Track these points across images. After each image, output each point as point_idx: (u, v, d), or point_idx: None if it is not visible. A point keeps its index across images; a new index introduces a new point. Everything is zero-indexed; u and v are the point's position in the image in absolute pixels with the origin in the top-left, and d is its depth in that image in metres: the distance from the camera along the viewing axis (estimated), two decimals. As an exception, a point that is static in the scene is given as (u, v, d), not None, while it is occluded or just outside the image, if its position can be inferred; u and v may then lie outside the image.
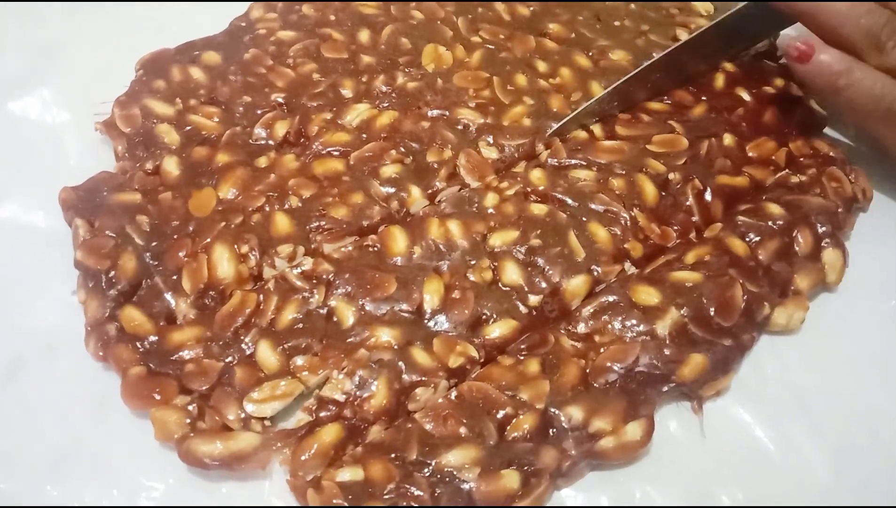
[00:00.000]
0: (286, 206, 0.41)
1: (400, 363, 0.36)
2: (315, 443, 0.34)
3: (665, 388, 0.37)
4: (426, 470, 0.33)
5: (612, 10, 0.56)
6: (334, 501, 0.32)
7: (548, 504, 0.34)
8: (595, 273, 0.40)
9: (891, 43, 0.43)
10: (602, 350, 0.37)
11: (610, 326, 0.38)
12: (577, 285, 0.39)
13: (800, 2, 0.44)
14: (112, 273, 0.39)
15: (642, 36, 0.54)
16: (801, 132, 0.49)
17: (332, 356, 0.36)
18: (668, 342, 0.37)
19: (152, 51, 0.50)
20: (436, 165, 0.44)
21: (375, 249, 0.40)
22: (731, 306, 0.39)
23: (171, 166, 0.43)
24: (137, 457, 0.35)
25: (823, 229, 0.43)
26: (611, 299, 0.39)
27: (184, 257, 0.39)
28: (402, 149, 0.45)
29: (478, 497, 0.32)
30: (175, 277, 0.39)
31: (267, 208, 0.41)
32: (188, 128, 0.46)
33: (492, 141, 0.46)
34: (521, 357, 0.37)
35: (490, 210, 0.42)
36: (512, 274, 0.39)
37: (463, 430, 0.34)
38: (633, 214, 0.42)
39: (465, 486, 0.33)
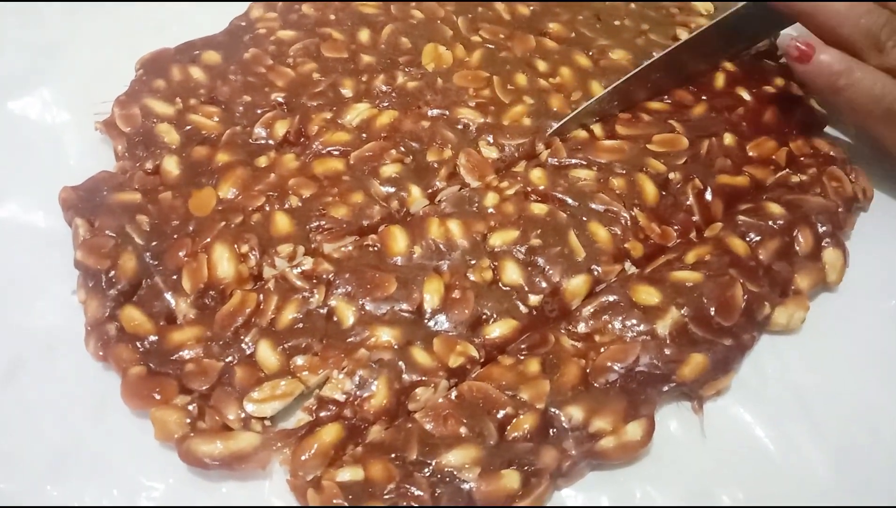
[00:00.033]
0: (286, 205, 0.41)
1: (400, 363, 0.36)
2: (315, 443, 0.34)
3: (665, 388, 0.37)
4: (426, 470, 0.33)
5: (612, 9, 0.56)
6: (334, 501, 0.32)
7: (548, 504, 0.34)
8: (595, 273, 0.40)
9: (890, 43, 0.43)
10: (602, 350, 0.37)
11: (610, 326, 0.38)
12: (577, 284, 0.39)
13: (799, 2, 0.44)
14: (112, 273, 0.39)
15: (642, 35, 0.54)
16: (802, 132, 0.49)
17: (333, 356, 0.36)
18: (668, 341, 0.37)
19: (152, 50, 0.50)
20: (436, 165, 0.44)
21: (375, 248, 0.40)
22: (731, 305, 0.39)
23: (171, 166, 0.43)
24: (137, 457, 0.35)
25: (824, 228, 0.43)
26: (611, 298, 0.39)
27: (184, 256, 0.39)
28: (402, 148, 0.45)
29: (478, 497, 0.32)
30: (175, 276, 0.39)
31: (267, 208, 0.41)
32: (188, 127, 0.45)
33: (492, 140, 0.46)
34: (522, 357, 0.37)
35: (490, 210, 0.42)
36: (512, 274, 0.39)
37: (463, 430, 0.34)
38: (633, 213, 0.42)
39: (466, 486, 0.33)
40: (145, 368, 0.36)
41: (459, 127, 0.46)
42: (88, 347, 0.37)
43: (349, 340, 0.37)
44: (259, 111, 0.46)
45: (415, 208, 0.42)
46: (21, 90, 0.50)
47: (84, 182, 0.43)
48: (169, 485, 0.34)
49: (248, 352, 0.36)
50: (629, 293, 0.39)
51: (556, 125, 0.46)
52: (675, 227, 0.43)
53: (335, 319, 0.37)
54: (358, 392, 0.35)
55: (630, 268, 0.41)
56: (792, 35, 0.45)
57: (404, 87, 0.48)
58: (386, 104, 0.47)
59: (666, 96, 0.49)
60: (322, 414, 0.35)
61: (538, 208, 0.42)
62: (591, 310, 0.39)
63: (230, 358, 0.36)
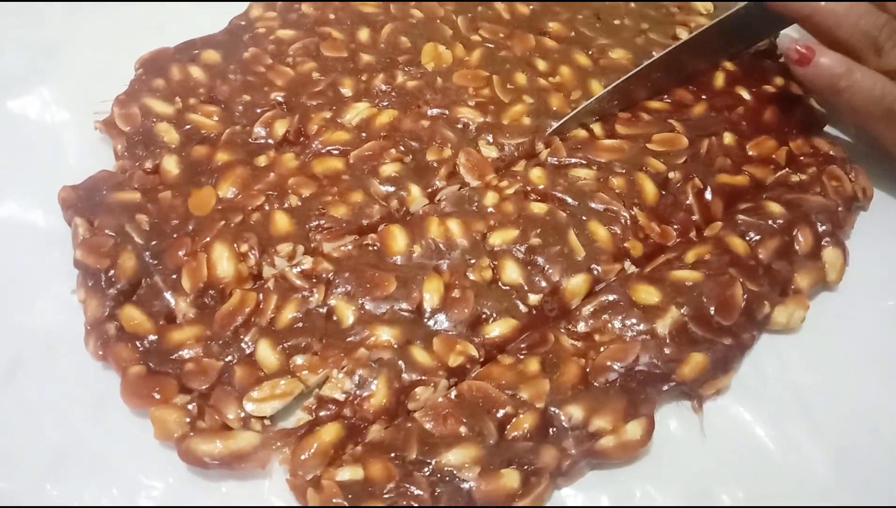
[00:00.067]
0: (286, 205, 0.41)
1: (400, 363, 0.36)
2: (315, 442, 0.34)
3: (665, 387, 0.37)
4: (426, 470, 0.33)
5: (611, 8, 0.56)
6: (334, 500, 0.32)
7: (548, 504, 0.34)
8: (595, 272, 0.40)
9: (889, 44, 0.43)
10: (602, 349, 0.37)
11: (610, 325, 0.38)
12: (576, 284, 0.39)
13: (797, 3, 0.44)
14: (111, 272, 0.38)
15: (642, 34, 0.54)
16: (802, 131, 0.49)
17: (332, 355, 0.36)
18: (668, 340, 0.37)
19: (152, 50, 0.50)
20: (435, 164, 0.44)
21: (375, 248, 0.40)
22: (731, 304, 0.39)
23: (171, 165, 0.43)
24: (137, 456, 0.35)
25: (824, 227, 0.43)
26: (611, 298, 0.39)
27: (183, 256, 0.39)
28: (402, 148, 0.44)
29: (478, 497, 0.32)
30: (175, 276, 0.39)
31: (266, 207, 0.41)
32: (188, 127, 0.45)
33: (491, 140, 0.46)
34: (521, 356, 0.37)
35: (490, 209, 0.42)
36: (512, 273, 0.39)
37: (463, 429, 0.34)
38: (633, 212, 0.42)
39: (465, 485, 0.33)
40: (145, 367, 0.36)
41: (459, 126, 0.46)
42: (88, 346, 0.37)
43: (349, 339, 0.37)
44: (259, 110, 0.46)
45: (414, 207, 0.42)
46: (21, 89, 0.50)
47: (84, 181, 0.43)
48: (168, 484, 0.34)
49: (247, 351, 0.36)
50: (629, 293, 0.39)
51: (555, 124, 0.46)
52: (675, 226, 0.43)
53: (335, 318, 0.37)
54: (357, 392, 0.35)
55: (630, 267, 0.41)
56: (792, 36, 0.46)
57: (404, 86, 0.48)
58: (385, 103, 0.47)
59: (666, 96, 0.49)
60: (322, 414, 0.35)
61: (538, 208, 0.42)
62: (591, 309, 0.39)
63: (230, 357, 0.36)
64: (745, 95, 0.50)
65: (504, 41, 0.52)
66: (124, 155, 0.45)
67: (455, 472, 0.33)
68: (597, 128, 0.47)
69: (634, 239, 0.41)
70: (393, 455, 0.33)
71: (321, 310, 0.38)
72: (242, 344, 0.37)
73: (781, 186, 0.45)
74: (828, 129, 0.51)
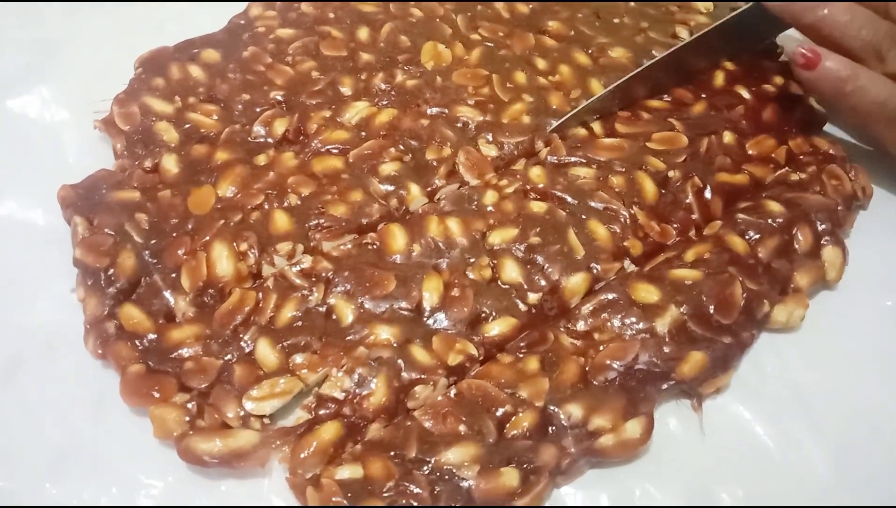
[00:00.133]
0: (285, 204, 0.41)
1: (399, 361, 0.36)
2: (314, 441, 0.34)
3: (665, 386, 0.37)
4: (425, 468, 0.33)
5: (611, 7, 0.56)
6: (333, 499, 0.32)
7: (547, 503, 0.34)
8: (594, 271, 0.40)
9: (892, 53, 0.44)
10: (601, 348, 0.37)
11: (609, 324, 0.38)
12: (576, 282, 0.39)
13: (799, 9, 0.45)
14: (111, 271, 0.38)
15: (642, 33, 0.54)
16: (801, 130, 0.49)
17: (332, 354, 0.36)
18: (667, 339, 0.37)
19: (151, 49, 0.50)
20: (435, 163, 0.44)
21: (374, 247, 0.40)
22: (730, 303, 0.39)
23: (170, 164, 0.43)
24: (136, 455, 0.35)
25: (823, 226, 0.43)
26: (610, 296, 0.39)
27: (183, 254, 0.39)
28: (402, 147, 0.44)
29: (477, 495, 0.32)
30: (174, 275, 0.39)
31: (266, 206, 0.41)
32: (187, 126, 0.45)
33: (491, 139, 0.46)
34: (521, 355, 0.37)
35: (489, 208, 0.42)
36: (511, 272, 0.39)
37: (462, 428, 0.34)
38: (632, 211, 0.42)
39: (465, 484, 0.33)
40: (144, 366, 0.36)
41: (458, 125, 0.46)
42: (87, 345, 0.37)
43: (348, 338, 0.37)
44: (258, 109, 0.46)
45: (414, 206, 0.42)
46: (20, 88, 0.50)
47: (83, 180, 0.43)
48: (168, 483, 0.34)
49: (247, 350, 0.36)
50: (628, 291, 0.39)
51: (555, 123, 0.46)
52: (675, 225, 0.43)
53: (334, 317, 0.37)
54: (357, 390, 0.35)
55: (629, 266, 0.41)
56: (796, 38, 0.46)
57: (403, 85, 0.48)
58: (385, 102, 0.47)
59: (666, 94, 0.49)
60: (321, 412, 0.35)
61: (537, 207, 0.42)
62: (591, 308, 0.39)
63: (229, 356, 0.36)
64: (745, 94, 0.50)
65: (503, 40, 0.52)
66: (124, 154, 0.45)
67: (454, 471, 0.33)
68: (596, 127, 0.47)
69: (634, 238, 0.41)
70: (392, 453, 0.33)
71: (321, 309, 0.38)
72: (242, 343, 0.37)
73: (781, 184, 0.45)
74: (827, 128, 0.51)
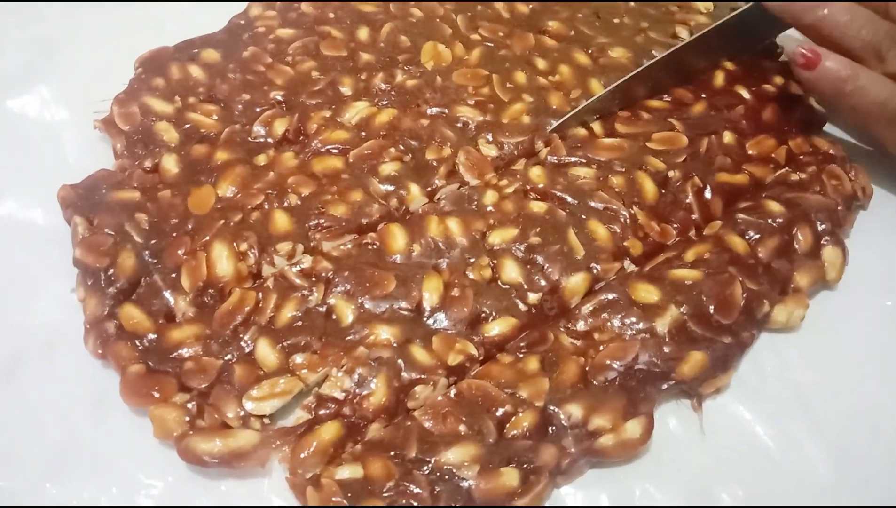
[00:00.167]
0: (285, 204, 0.41)
1: (399, 361, 0.36)
2: (314, 441, 0.33)
3: (665, 386, 0.37)
4: (425, 468, 0.33)
5: (611, 7, 0.56)
6: (333, 499, 0.32)
7: (547, 503, 0.34)
8: (594, 271, 0.40)
9: (892, 53, 0.44)
10: (601, 348, 0.37)
11: (609, 324, 0.38)
12: (576, 282, 0.39)
13: (799, 9, 0.45)
14: (111, 271, 0.38)
15: (642, 33, 0.54)
16: (801, 130, 0.49)
17: (332, 354, 0.36)
18: (667, 339, 0.37)
19: (151, 49, 0.50)
20: (435, 163, 0.44)
21: (374, 247, 0.40)
22: (730, 303, 0.39)
23: (170, 164, 0.43)
24: (136, 455, 0.35)
25: (823, 226, 0.43)
26: (610, 296, 0.39)
27: (183, 254, 0.39)
28: (402, 147, 0.44)
29: (477, 495, 0.32)
30: (174, 275, 0.39)
31: (266, 206, 0.41)
32: (187, 126, 0.45)
33: (491, 139, 0.46)
34: (521, 355, 0.37)
35: (489, 208, 0.42)
36: (511, 272, 0.39)
37: (462, 428, 0.34)
38: (632, 211, 0.42)
39: (465, 484, 0.33)
40: (144, 366, 0.36)
41: (458, 125, 0.46)
42: (87, 345, 0.37)
43: (348, 338, 0.37)
44: (258, 109, 0.46)
45: (414, 206, 0.42)
46: (20, 88, 0.50)
47: (83, 180, 0.43)
48: (168, 483, 0.34)
49: (247, 350, 0.36)
50: (628, 291, 0.39)
51: (555, 123, 0.46)
52: (675, 225, 0.43)
53: (334, 317, 0.37)
54: (357, 390, 0.35)
55: (629, 266, 0.41)
56: (796, 38, 0.46)
57: (403, 85, 0.48)
58: (385, 102, 0.47)
59: (666, 94, 0.49)
60: (321, 412, 0.35)
61: (537, 207, 0.42)
62: (591, 308, 0.39)
63: (229, 356, 0.36)
64: (745, 93, 0.50)
65: (503, 40, 0.52)
66: (124, 154, 0.45)
67: (454, 471, 0.33)
68: (596, 127, 0.47)
69: (634, 238, 0.41)
70: (392, 453, 0.33)
71: (320, 309, 0.38)
72: (242, 343, 0.37)
73: (781, 184, 0.45)
74: (828, 128, 0.51)
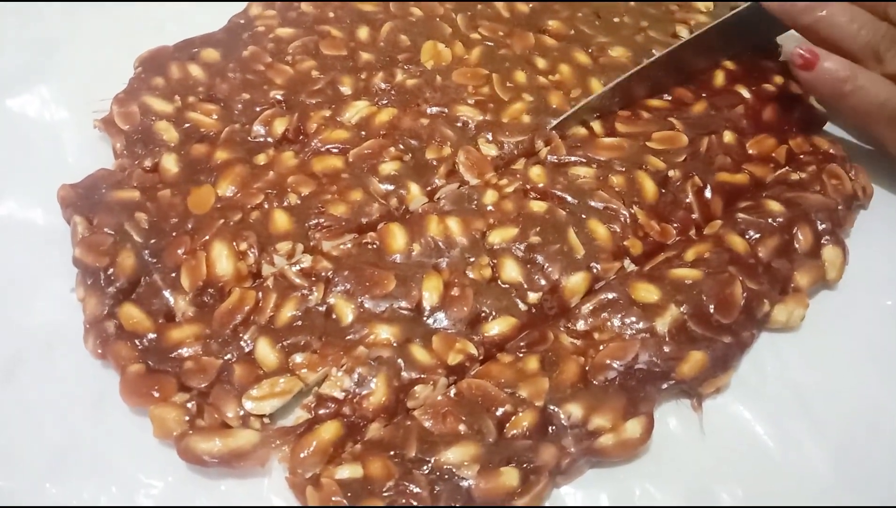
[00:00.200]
0: (285, 203, 0.41)
1: (399, 361, 0.36)
2: (314, 440, 0.33)
3: (665, 385, 0.37)
4: (425, 468, 0.33)
5: (611, 6, 0.56)
6: (333, 499, 0.32)
7: (547, 502, 0.34)
8: (594, 271, 0.40)
9: (889, 54, 0.44)
10: (601, 348, 0.37)
11: (609, 323, 0.38)
12: (576, 282, 0.39)
13: (797, 10, 0.45)
14: (111, 271, 0.38)
15: (642, 32, 0.54)
16: (802, 129, 0.49)
17: (331, 354, 0.36)
18: (667, 339, 0.37)
19: (151, 48, 0.50)
20: (435, 163, 0.44)
21: (374, 246, 0.40)
22: (730, 303, 0.39)
23: (170, 164, 0.43)
24: (136, 455, 0.35)
25: (823, 226, 0.43)
26: (610, 296, 0.39)
27: (182, 254, 0.39)
28: (402, 146, 0.44)
29: (477, 495, 0.32)
30: (174, 274, 0.39)
31: (266, 206, 0.41)
32: (187, 125, 0.45)
33: (491, 138, 0.46)
34: (521, 355, 0.37)
35: (489, 207, 0.42)
36: (511, 271, 0.39)
37: (462, 427, 0.34)
38: (632, 211, 0.42)
39: (465, 483, 0.33)
40: (144, 366, 0.36)
41: (458, 124, 0.46)
42: (87, 344, 0.37)
43: (348, 337, 0.37)
44: (258, 109, 0.46)
45: (414, 205, 0.42)
46: (20, 88, 0.50)
47: (83, 180, 0.43)
48: (168, 483, 0.34)
49: (246, 350, 0.36)
50: (628, 291, 0.39)
51: (555, 122, 0.46)
52: (675, 224, 0.43)
53: (334, 316, 0.37)
54: (357, 390, 0.35)
55: (629, 266, 0.41)
56: (796, 36, 0.46)
57: (403, 84, 0.48)
58: (385, 102, 0.47)
59: (666, 94, 0.49)
60: (321, 412, 0.35)
61: (537, 206, 0.42)
62: (591, 308, 0.39)
63: (229, 356, 0.36)
64: (746, 93, 0.50)
65: (503, 39, 0.52)
66: (123, 153, 0.45)
67: (454, 470, 0.33)
68: (596, 126, 0.47)
69: (634, 237, 0.41)
70: (392, 453, 0.33)
71: (320, 308, 0.38)
72: (242, 342, 0.37)
73: (781, 184, 0.45)
74: (828, 127, 0.51)
